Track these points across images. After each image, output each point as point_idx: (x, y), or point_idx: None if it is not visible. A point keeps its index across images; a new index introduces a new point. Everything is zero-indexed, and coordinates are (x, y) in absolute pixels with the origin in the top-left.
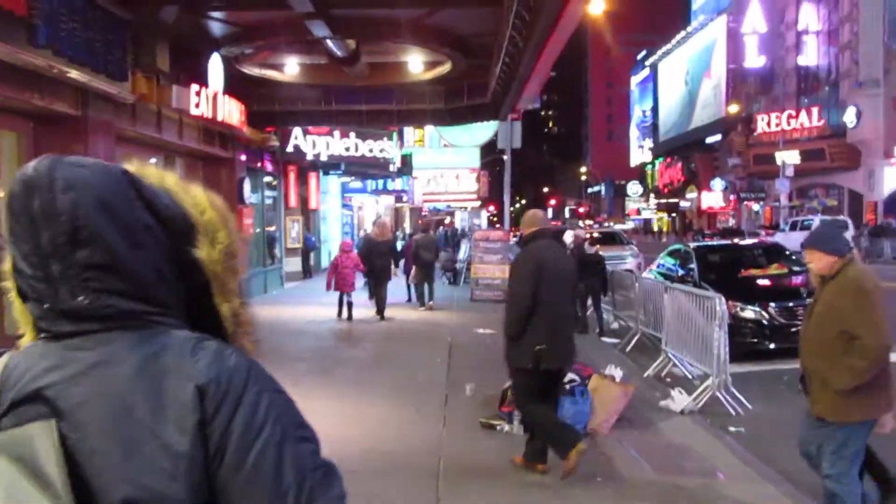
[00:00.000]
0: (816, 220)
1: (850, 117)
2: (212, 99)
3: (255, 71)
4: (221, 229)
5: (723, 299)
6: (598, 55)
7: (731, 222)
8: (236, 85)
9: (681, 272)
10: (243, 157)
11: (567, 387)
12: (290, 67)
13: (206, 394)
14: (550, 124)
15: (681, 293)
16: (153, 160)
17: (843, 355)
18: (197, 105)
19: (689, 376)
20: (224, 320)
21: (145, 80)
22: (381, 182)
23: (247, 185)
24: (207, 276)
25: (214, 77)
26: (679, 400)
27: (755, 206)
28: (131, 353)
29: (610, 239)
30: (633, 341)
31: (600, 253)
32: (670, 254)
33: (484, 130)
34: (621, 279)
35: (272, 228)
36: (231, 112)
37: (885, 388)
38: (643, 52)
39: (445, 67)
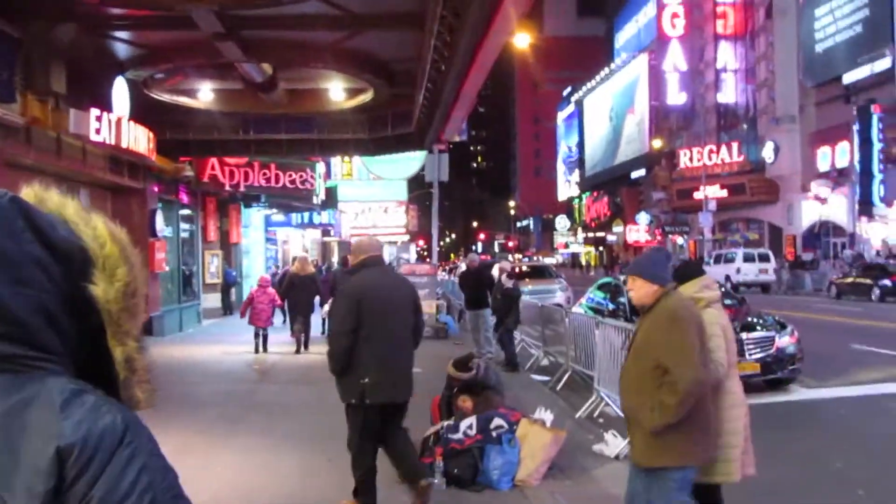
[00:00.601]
0: (739, 253)
1: (768, 153)
2: (115, 124)
3: (165, 97)
4: (121, 265)
5: None
6: (524, 91)
7: None
8: (146, 111)
9: (611, 306)
10: (156, 189)
11: (494, 434)
12: (204, 94)
13: (67, 457)
14: (479, 159)
15: (612, 328)
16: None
17: (657, 391)
18: (98, 131)
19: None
20: (116, 365)
21: (38, 103)
22: (306, 215)
23: (159, 218)
24: (102, 316)
25: (119, 102)
26: (613, 444)
27: (679, 240)
28: None
29: (538, 273)
30: (564, 379)
31: (518, 287)
32: (600, 287)
33: (411, 163)
34: (550, 314)
35: (187, 264)
36: (138, 139)
37: (704, 431)
38: (568, 89)
39: (368, 95)
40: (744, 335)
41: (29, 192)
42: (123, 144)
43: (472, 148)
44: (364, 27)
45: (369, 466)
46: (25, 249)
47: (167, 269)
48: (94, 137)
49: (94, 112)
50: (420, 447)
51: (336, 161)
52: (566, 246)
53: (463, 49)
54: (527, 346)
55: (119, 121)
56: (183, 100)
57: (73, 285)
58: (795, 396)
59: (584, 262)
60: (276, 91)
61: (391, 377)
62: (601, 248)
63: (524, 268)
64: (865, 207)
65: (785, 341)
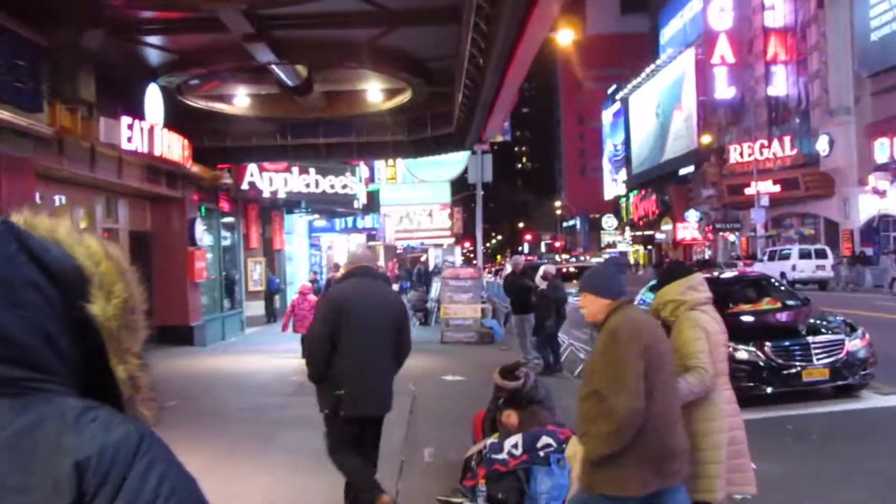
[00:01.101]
0: (795, 250)
1: (822, 146)
2: (147, 132)
3: (201, 103)
4: (118, 282)
5: None
6: (568, 91)
7: (707, 253)
8: (181, 119)
9: None
10: (195, 197)
11: (541, 454)
12: (240, 99)
13: (86, 470)
14: (524, 160)
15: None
16: (96, 202)
17: (596, 419)
18: (129, 139)
19: None
20: (120, 384)
21: (67, 112)
22: (349, 220)
23: (199, 226)
24: (102, 334)
25: (152, 109)
26: None
27: (731, 237)
28: (2, 426)
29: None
30: None
31: (558, 288)
32: (651, 289)
33: (455, 165)
34: None
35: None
36: (171, 147)
37: (649, 460)
38: (613, 87)
39: (406, 96)
40: (810, 339)
41: (19, 218)
42: (157, 152)
43: (516, 149)
44: (399, 23)
45: (356, 465)
46: (21, 272)
47: (208, 277)
48: (125, 146)
49: (126, 120)
50: (462, 468)
51: (380, 165)
52: (614, 245)
53: (501, 41)
54: (575, 350)
55: (152, 128)
56: (219, 106)
57: (71, 305)
58: (868, 404)
59: (632, 261)
60: (313, 94)
61: (366, 391)
62: (650, 247)
63: (571, 269)
64: None
65: (856, 344)
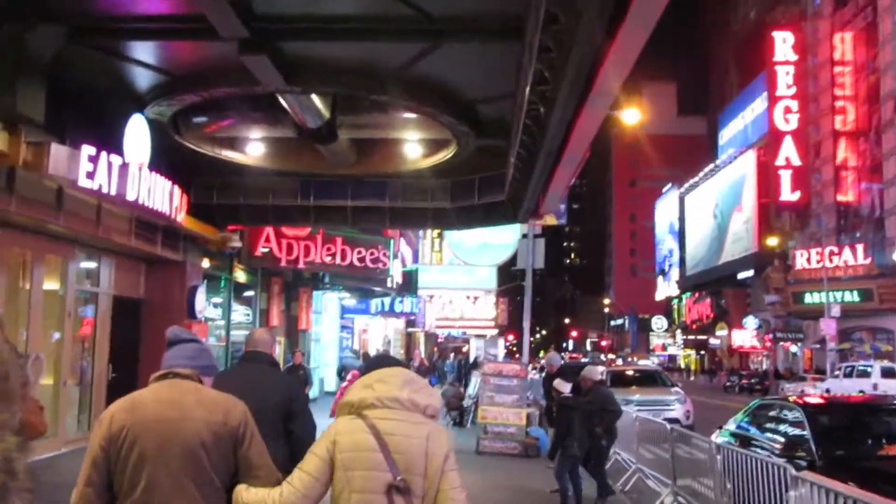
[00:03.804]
0: (876, 367)
1: None
2: (119, 169)
3: (206, 149)
4: None
5: None
6: (620, 188)
7: (765, 363)
8: (180, 166)
9: (778, 440)
10: (205, 263)
11: None
12: (254, 147)
13: None
14: (573, 256)
15: (816, 488)
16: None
17: None
18: (91, 175)
19: None
20: None
21: (6, 134)
22: (386, 302)
23: (200, 296)
24: None
25: (135, 145)
26: None
27: (793, 348)
28: None
29: (648, 379)
30: None
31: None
32: (757, 410)
33: (503, 249)
34: (687, 440)
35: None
36: (155, 192)
37: None
38: (668, 186)
39: (450, 150)
40: None
41: None
42: (131, 196)
43: (564, 244)
44: (443, 37)
45: None
46: None
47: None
48: (83, 183)
49: (88, 150)
50: None
51: (425, 244)
52: (664, 348)
53: (574, 70)
54: (644, 477)
55: (125, 166)
56: (229, 154)
57: None
58: None
59: (683, 366)
60: (339, 143)
61: None
62: (702, 352)
63: (628, 371)
64: None
65: None
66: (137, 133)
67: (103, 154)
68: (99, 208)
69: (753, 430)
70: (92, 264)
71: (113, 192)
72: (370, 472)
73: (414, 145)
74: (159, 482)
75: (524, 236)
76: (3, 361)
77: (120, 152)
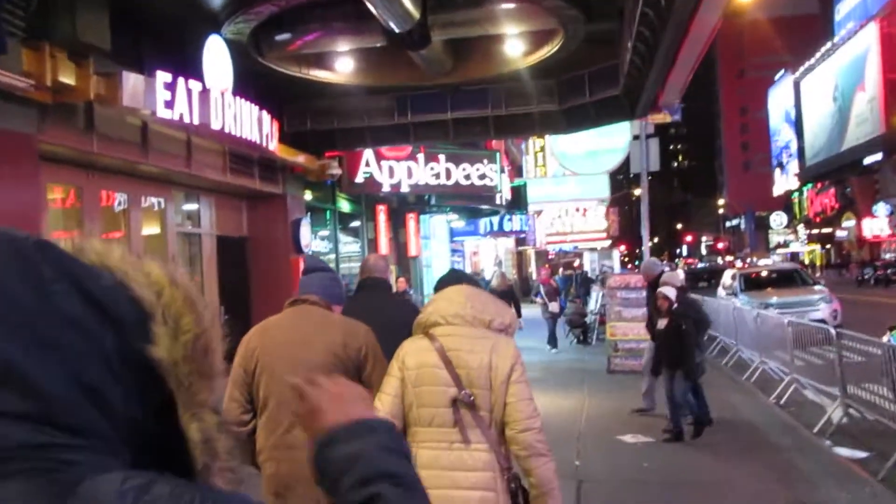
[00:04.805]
0: None
1: None
2: (199, 97)
3: (293, 70)
4: (186, 314)
5: None
6: (728, 82)
7: None
8: (269, 92)
9: None
10: (308, 196)
11: None
12: (342, 63)
13: None
14: (680, 158)
15: None
16: (154, 199)
17: None
18: (170, 104)
19: None
20: (192, 449)
21: (73, 64)
22: (495, 221)
23: (305, 230)
24: (169, 383)
25: (216, 70)
26: None
27: None
28: None
29: (787, 279)
30: None
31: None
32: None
33: (613, 154)
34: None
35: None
36: (243, 120)
37: None
38: (781, 72)
39: (555, 44)
40: None
41: (66, 242)
42: (215, 125)
43: (671, 147)
44: None
45: None
46: (55, 303)
47: None
48: (161, 113)
49: (163, 77)
50: None
51: (528, 158)
52: (786, 245)
53: None
54: (801, 386)
55: (207, 92)
56: (317, 73)
57: (126, 347)
58: None
59: (806, 262)
60: (433, 48)
61: None
62: (828, 246)
63: (763, 273)
64: None
65: None
66: (216, 56)
67: (181, 80)
68: (189, 144)
69: None
70: (192, 205)
71: (196, 122)
72: (435, 387)
73: (515, 41)
74: (287, 399)
75: (635, 138)
76: (205, 330)
77: (200, 78)
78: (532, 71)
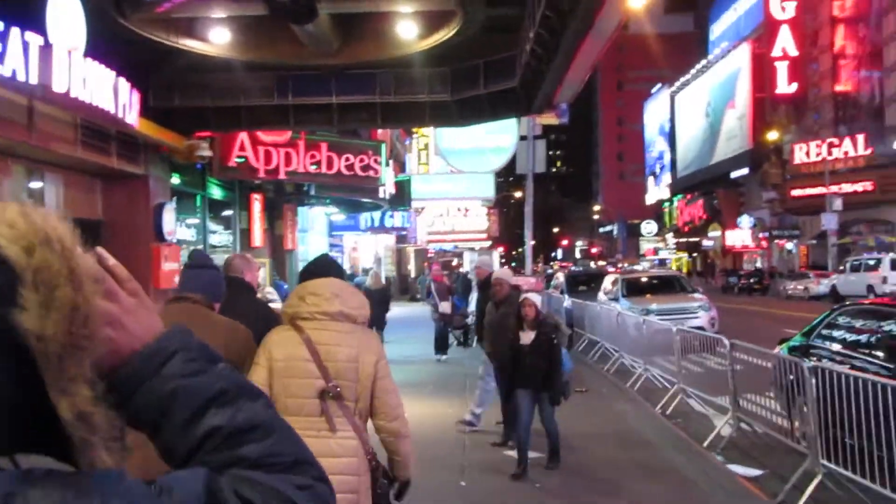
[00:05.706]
0: (885, 260)
1: None
2: (39, 52)
3: (160, 35)
4: (62, 283)
5: None
6: (607, 93)
7: (759, 262)
8: (134, 61)
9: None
10: (175, 180)
11: None
12: (217, 33)
13: None
14: (559, 164)
15: None
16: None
17: None
18: None
19: None
20: (66, 425)
21: None
22: (376, 217)
23: (168, 215)
24: (34, 355)
25: (63, 25)
26: None
27: (788, 245)
28: None
29: (666, 285)
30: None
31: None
32: (839, 320)
33: (498, 155)
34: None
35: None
36: (93, 84)
37: None
38: (657, 86)
39: (451, 28)
40: None
41: None
42: (58, 88)
43: (549, 152)
44: None
45: None
46: None
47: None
48: None
49: None
50: None
51: (412, 155)
52: (655, 252)
53: None
54: (686, 396)
55: (49, 48)
56: (188, 43)
57: None
58: None
59: (674, 269)
60: (319, 22)
61: None
62: (694, 255)
63: (643, 278)
64: None
65: None
66: (65, 9)
67: (14, 30)
68: (31, 110)
69: (837, 346)
70: (35, 183)
71: (34, 81)
72: (304, 379)
73: (408, 22)
74: None
75: (523, 138)
76: (85, 299)
77: (42, 32)
78: (425, 57)
